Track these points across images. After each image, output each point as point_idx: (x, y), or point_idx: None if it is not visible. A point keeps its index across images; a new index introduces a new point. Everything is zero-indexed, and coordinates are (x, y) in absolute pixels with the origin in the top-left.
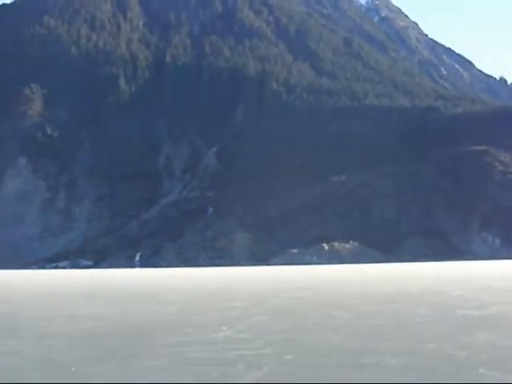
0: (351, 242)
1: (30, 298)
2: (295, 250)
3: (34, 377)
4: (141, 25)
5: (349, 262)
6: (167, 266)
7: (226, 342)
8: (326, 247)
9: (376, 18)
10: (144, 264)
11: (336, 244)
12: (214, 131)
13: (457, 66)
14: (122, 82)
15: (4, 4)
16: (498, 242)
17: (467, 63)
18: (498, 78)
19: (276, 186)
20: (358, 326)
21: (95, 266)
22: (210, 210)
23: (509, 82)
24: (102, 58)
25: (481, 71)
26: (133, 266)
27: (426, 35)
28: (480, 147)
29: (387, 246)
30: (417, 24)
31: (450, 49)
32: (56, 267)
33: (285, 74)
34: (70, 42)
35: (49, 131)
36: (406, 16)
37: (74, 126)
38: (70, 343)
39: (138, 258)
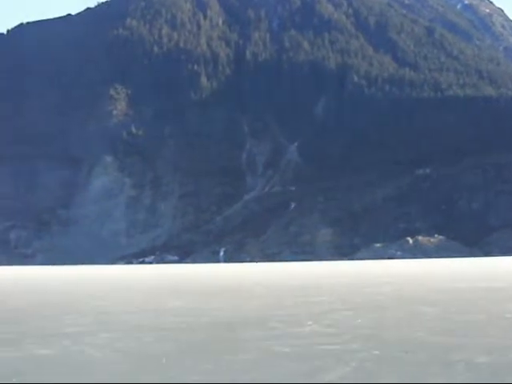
0: (436, 235)
1: (118, 292)
2: (379, 245)
3: (125, 368)
4: (220, 23)
5: (434, 256)
6: (251, 261)
7: (312, 337)
8: (411, 241)
9: (459, 6)
10: (228, 259)
11: (421, 238)
12: (296, 126)
13: None
14: (203, 79)
15: (88, 8)
16: None
17: None
18: None
19: (359, 180)
20: (446, 321)
21: (180, 261)
22: (293, 205)
23: None
24: (184, 56)
25: None
26: (217, 261)
27: None
28: None
29: (474, 239)
30: (502, 10)
31: None
32: (142, 262)
33: (365, 66)
34: (151, 42)
35: (133, 130)
36: (491, 2)
37: (157, 124)
38: (158, 337)
39: (222, 253)
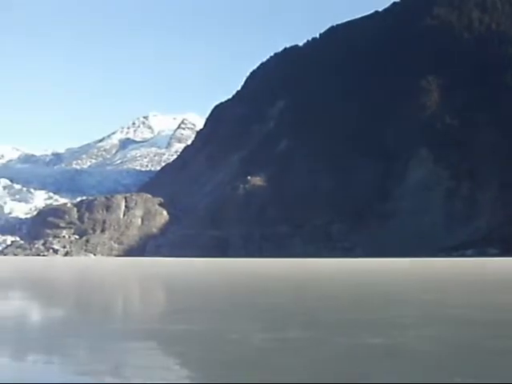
0: None
1: (441, 285)
2: None
3: (450, 363)
4: None
5: None
6: None
7: None
8: None
9: None
10: None
11: None
12: None
13: None
14: None
15: (395, 3)
16: None
17: None
18: None
19: None
20: None
21: (502, 254)
22: None
23: None
24: (496, 39)
25: None
26: None
27: None
28: None
29: None
30: None
31: None
32: (462, 255)
33: None
34: (461, 28)
35: (447, 120)
36: None
37: (471, 113)
38: (491, 332)
39: None
